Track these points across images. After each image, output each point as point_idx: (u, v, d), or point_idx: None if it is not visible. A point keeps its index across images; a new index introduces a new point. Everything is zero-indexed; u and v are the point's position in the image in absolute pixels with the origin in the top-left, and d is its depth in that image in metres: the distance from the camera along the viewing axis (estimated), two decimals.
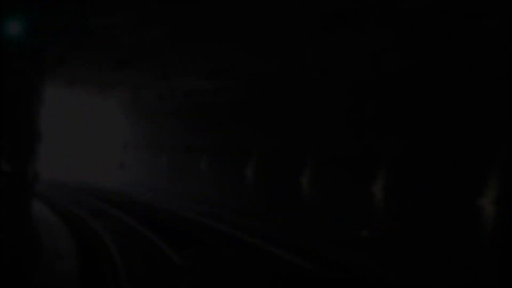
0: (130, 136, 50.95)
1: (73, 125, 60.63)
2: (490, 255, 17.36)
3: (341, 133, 25.49)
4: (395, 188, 21.70)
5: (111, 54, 24.39)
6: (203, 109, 39.20)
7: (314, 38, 19.85)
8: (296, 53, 22.65)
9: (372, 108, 23.67)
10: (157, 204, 36.16)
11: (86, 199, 37.37)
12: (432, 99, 20.38)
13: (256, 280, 17.62)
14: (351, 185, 24.25)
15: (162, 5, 17.12)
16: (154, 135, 46.89)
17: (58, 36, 20.52)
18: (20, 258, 15.52)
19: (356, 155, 24.26)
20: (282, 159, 30.17)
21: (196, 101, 39.37)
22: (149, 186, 45.98)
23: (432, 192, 19.49)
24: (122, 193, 42.45)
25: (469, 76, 18.62)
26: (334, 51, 21.50)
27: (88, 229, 25.25)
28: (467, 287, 16.49)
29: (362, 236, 22.76)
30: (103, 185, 48.26)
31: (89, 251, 20.49)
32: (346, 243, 23.31)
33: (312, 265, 19.76)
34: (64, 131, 60.94)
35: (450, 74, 19.60)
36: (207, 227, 27.54)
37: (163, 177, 44.89)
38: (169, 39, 21.53)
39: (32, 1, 16.23)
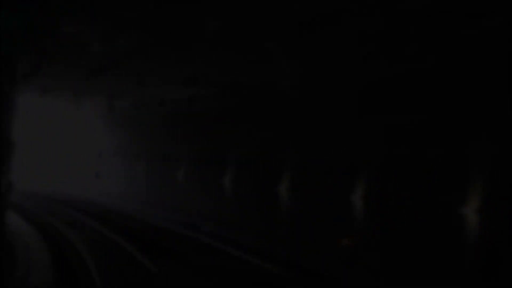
0: (107, 145, 50.42)
1: (49, 134, 59.98)
2: (470, 265, 17.14)
3: (321, 142, 25.24)
4: (375, 197, 21.46)
5: (83, 62, 24.02)
6: (180, 118, 38.84)
7: (294, 43, 19.58)
8: (273, 59, 22.39)
9: (353, 116, 23.43)
10: (133, 214, 35.72)
11: (63, 210, 36.83)
12: (417, 103, 20.16)
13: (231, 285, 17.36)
14: (331, 193, 23.98)
15: (133, 13, 16.82)
16: (131, 144, 46.42)
17: (30, 43, 20.12)
18: None
19: (335, 164, 24.01)
20: (260, 168, 29.87)
21: (172, 110, 39.00)
22: (126, 195, 45.48)
23: (413, 201, 19.25)
24: (99, 203, 41.94)
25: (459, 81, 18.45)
26: (315, 56, 21.25)
27: (64, 240, 24.80)
28: None
29: (342, 245, 22.50)
30: (79, 196, 47.68)
31: (65, 262, 20.07)
32: (325, 252, 23.05)
33: (289, 274, 19.49)
34: (39, 141, 60.28)
35: (434, 78, 19.42)
36: (184, 236, 27.18)
37: (140, 187, 44.42)
38: (142, 47, 21.20)
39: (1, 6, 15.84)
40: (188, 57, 22.94)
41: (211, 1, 15.70)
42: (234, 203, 32.38)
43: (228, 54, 22.04)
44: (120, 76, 27.99)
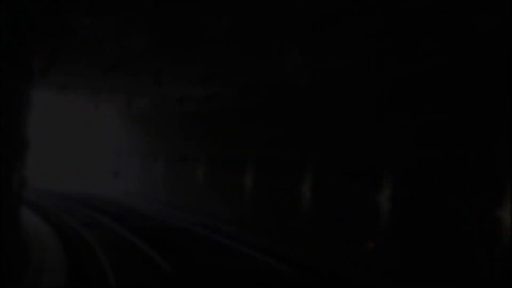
0: (125, 143, 50.09)
1: (67, 132, 59.81)
2: (503, 271, 16.42)
3: (344, 141, 24.63)
4: (402, 199, 20.78)
5: (99, 59, 23.60)
6: (198, 117, 38.38)
7: (310, 39, 19.02)
8: (290, 57, 21.87)
9: (375, 115, 22.80)
10: (152, 214, 35.29)
11: (80, 208, 36.45)
12: (442, 102, 19.50)
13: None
14: (353, 194, 23.36)
15: (148, 9, 16.37)
16: (149, 143, 46.04)
17: (44, 39, 19.72)
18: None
19: (358, 164, 23.39)
20: (281, 168, 29.29)
21: (190, 109, 38.55)
22: (144, 195, 45.12)
23: (444, 201, 18.54)
24: (116, 203, 41.58)
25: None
26: (331, 52, 20.68)
27: (81, 240, 24.32)
28: None
29: (367, 248, 21.86)
30: (96, 194, 47.36)
31: (80, 263, 19.58)
32: (350, 255, 22.47)
33: (312, 279, 18.96)
34: (57, 138, 60.14)
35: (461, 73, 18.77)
36: (204, 239, 26.69)
37: (158, 186, 44.01)
38: (159, 44, 20.72)
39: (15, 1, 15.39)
40: (204, 56, 22.47)
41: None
42: (253, 204, 31.82)
43: (243, 52, 21.57)
44: (137, 74, 27.58)
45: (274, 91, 29.12)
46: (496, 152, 16.56)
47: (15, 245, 18.59)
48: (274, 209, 29.50)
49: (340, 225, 24.15)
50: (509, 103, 16.28)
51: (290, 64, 23.08)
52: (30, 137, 22.28)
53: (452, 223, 17.96)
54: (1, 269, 14.65)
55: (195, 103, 37.13)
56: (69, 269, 18.42)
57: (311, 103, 27.06)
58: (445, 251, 18.18)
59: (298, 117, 28.06)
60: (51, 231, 26.53)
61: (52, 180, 56.95)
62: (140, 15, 16.97)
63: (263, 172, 31.04)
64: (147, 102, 41.35)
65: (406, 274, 19.54)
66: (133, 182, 47.98)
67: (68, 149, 59.94)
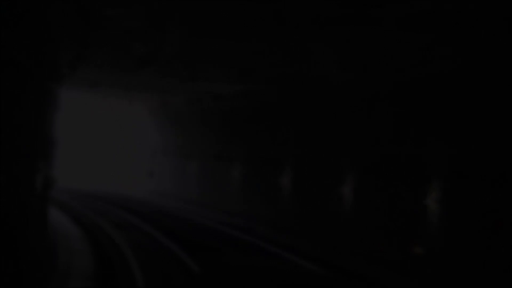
0: (159, 143, 49.41)
1: (101, 131, 59.49)
2: None
3: (387, 139, 23.50)
4: (452, 200, 19.60)
5: (129, 54, 22.81)
6: (234, 115, 37.45)
7: (350, 29, 17.94)
8: (330, 49, 20.82)
9: (419, 111, 21.64)
10: (186, 215, 34.49)
11: (112, 209, 35.75)
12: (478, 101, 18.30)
13: None
14: (399, 195, 22.21)
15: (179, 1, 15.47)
16: (183, 142, 45.28)
17: (70, 36, 18.98)
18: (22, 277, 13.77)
19: (403, 163, 22.26)
20: (320, 168, 28.22)
21: (226, 106, 37.68)
22: (178, 196, 44.36)
23: (498, 204, 17.34)
24: (149, 203, 40.90)
25: None
26: (369, 47, 19.58)
27: (112, 244, 23.49)
28: None
29: (415, 254, 20.71)
30: (130, 195, 46.75)
31: (109, 267, 18.75)
32: (395, 262, 21.41)
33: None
34: (91, 138, 59.88)
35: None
36: (240, 242, 25.78)
37: (193, 187, 43.21)
38: (194, 37, 19.79)
39: None
40: (242, 49, 21.53)
41: None
42: (292, 206, 30.78)
43: (280, 48, 20.58)
44: (170, 70, 26.80)
45: (312, 88, 28.12)
46: None
47: (40, 248, 17.82)
48: (318, 211, 28.42)
49: (383, 228, 23.02)
50: None
51: (327, 60, 22.13)
52: (62, 137, 21.69)
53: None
54: (27, 274, 13.91)
55: (230, 100, 36.24)
56: (98, 274, 17.62)
57: (352, 101, 25.97)
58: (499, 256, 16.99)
59: (338, 115, 26.95)
60: (81, 232, 25.82)
61: (85, 180, 56.58)
62: (171, 4, 16.05)
63: (301, 173, 30.01)
64: (181, 100, 40.63)
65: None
66: (168, 182, 47.27)
67: (101, 149, 59.57)
